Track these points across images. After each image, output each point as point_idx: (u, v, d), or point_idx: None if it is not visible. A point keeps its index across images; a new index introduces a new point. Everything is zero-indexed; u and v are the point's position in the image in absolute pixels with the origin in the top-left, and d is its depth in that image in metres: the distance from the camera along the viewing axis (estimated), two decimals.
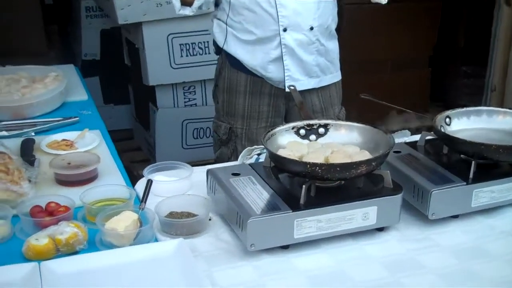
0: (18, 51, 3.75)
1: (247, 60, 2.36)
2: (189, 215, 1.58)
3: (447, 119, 1.88)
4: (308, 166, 1.52)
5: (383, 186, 1.60)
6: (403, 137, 2.11)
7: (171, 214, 1.58)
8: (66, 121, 2.24)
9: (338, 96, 2.59)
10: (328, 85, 2.51)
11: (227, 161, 1.89)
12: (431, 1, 4.50)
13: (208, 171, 1.70)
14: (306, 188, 1.51)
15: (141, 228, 1.49)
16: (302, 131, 1.78)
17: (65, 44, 4.58)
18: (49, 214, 1.55)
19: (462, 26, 4.81)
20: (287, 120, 2.53)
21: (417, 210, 1.65)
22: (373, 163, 1.57)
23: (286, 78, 2.35)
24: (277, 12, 2.26)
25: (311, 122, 1.80)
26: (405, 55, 4.49)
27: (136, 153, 4.06)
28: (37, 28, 4.09)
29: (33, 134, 2.14)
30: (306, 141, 1.76)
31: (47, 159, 1.87)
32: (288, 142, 1.73)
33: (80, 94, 2.59)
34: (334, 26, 2.48)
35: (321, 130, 1.79)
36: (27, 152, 1.93)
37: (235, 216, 1.51)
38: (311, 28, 2.32)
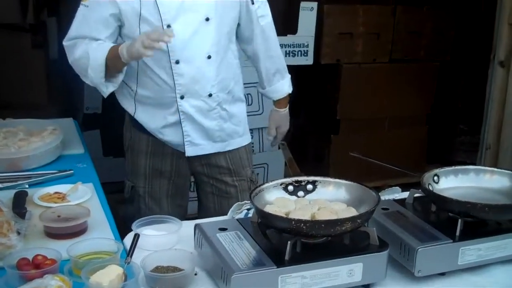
0: (20, 104, 3.81)
1: (145, 122, 2.36)
2: (175, 269, 1.59)
3: (435, 177, 1.90)
4: (293, 222, 1.53)
5: (369, 243, 1.60)
6: (394, 194, 2.12)
7: (157, 269, 1.59)
8: (61, 174, 2.27)
9: (249, 159, 2.54)
10: (237, 148, 2.48)
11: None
12: (429, 61, 4.57)
13: (195, 226, 1.71)
14: (291, 244, 1.52)
15: (125, 283, 1.49)
16: (290, 187, 1.80)
17: (68, 97, 4.65)
18: (36, 267, 1.55)
19: (459, 86, 4.88)
20: (196, 184, 2.55)
21: (403, 267, 1.65)
22: (358, 220, 1.58)
23: (186, 143, 2.34)
24: (174, 80, 2.24)
25: (300, 178, 1.82)
26: (403, 113, 4.54)
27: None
28: (40, 82, 4.17)
29: (27, 186, 2.15)
30: (294, 197, 1.78)
31: (38, 212, 1.88)
32: (276, 198, 1.74)
33: (76, 148, 2.63)
34: (238, 89, 2.46)
35: (309, 186, 1.81)
36: (19, 205, 1.94)
37: (219, 271, 1.51)
38: (210, 95, 2.31)
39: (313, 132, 4.69)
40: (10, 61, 4.14)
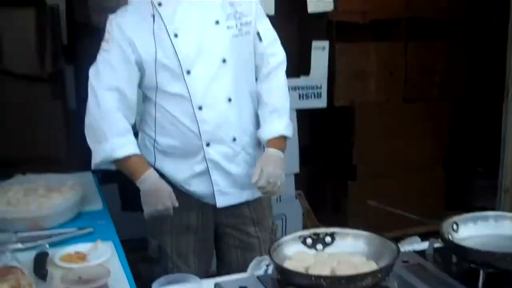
0: (39, 158, 3.83)
1: (170, 174, 2.29)
2: None
3: (454, 226, 1.88)
4: (313, 278, 1.53)
5: None
6: (413, 244, 2.10)
7: None
8: (80, 232, 2.27)
9: (270, 208, 2.46)
10: (259, 197, 2.37)
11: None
12: (442, 100, 4.54)
13: (215, 285, 1.71)
14: None
15: None
16: (309, 240, 1.79)
17: (87, 150, 4.67)
18: None
19: (475, 125, 4.81)
20: (217, 237, 2.44)
21: None
22: (379, 275, 1.57)
23: (216, 193, 2.28)
24: (199, 128, 2.19)
25: (318, 230, 1.82)
26: (419, 156, 4.46)
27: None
28: (59, 134, 4.19)
29: (47, 246, 2.16)
30: (313, 251, 1.77)
31: (59, 273, 1.88)
32: (295, 253, 1.74)
33: (95, 203, 2.64)
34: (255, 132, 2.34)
35: (328, 239, 1.80)
36: (40, 266, 1.94)
37: None
38: (234, 139, 2.25)
39: (330, 178, 4.60)
40: (28, 113, 4.15)
